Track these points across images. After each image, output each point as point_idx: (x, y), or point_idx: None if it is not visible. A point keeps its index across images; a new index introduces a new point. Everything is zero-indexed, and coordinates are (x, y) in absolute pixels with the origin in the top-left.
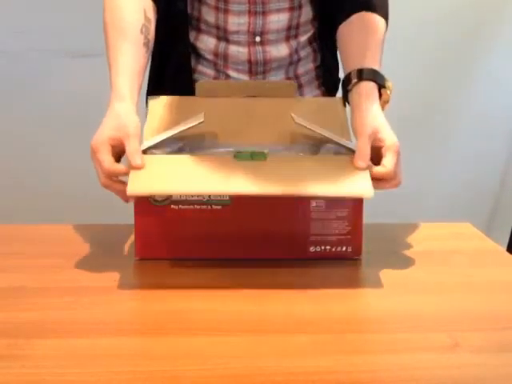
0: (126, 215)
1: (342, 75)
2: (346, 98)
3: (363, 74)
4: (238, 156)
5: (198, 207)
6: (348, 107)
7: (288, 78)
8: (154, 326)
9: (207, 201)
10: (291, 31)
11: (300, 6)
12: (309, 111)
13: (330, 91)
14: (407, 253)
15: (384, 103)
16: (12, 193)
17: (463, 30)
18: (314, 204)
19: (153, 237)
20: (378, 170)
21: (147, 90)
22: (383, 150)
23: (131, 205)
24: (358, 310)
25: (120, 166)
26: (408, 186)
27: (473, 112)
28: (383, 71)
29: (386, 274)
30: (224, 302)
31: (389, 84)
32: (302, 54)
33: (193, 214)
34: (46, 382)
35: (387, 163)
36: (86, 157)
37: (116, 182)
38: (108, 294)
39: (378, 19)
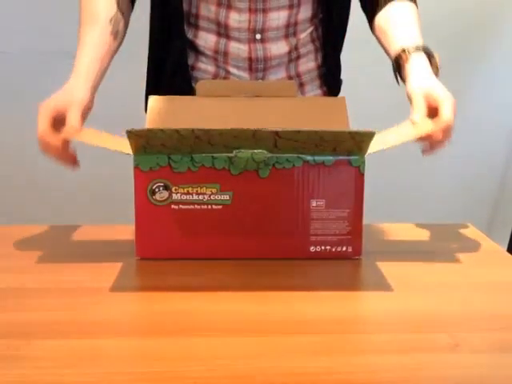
0: (127, 215)
1: (344, 77)
2: (399, 73)
3: (414, 49)
4: (239, 156)
5: (199, 207)
6: (351, 107)
7: (289, 77)
8: (153, 327)
9: (208, 201)
10: (289, 29)
11: (299, 4)
12: (310, 111)
13: (331, 91)
14: (407, 253)
15: (436, 70)
16: (11, 193)
17: (463, 30)
18: (314, 204)
19: (153, 236)
20: (442, 118)
21: (146, 90)
22: (440, 103)
23: (132, 205)
24: (359, 310)
25: (55, 136)
26: (408, 186)
27: (473, 112)
28: (384, 70)
29: (386, 275)
30: (224, 303)
31: (436, 54)
32: (302, 51)
33: (193, 213)
34: (46, 382)
35: (447, 113)
36: (87, 157)
37: (54, 137)
38: (108, 294)
39: (412, 6)
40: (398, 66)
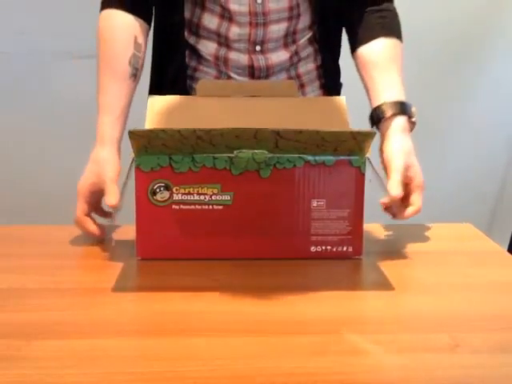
0: (127, 216)
1: (343, 81)
2: (376, 126)
3: (397, 109)
4: (240, 156)
5: (199, 207)
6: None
7: (290, 78)
8: (154, 327)
9: (208, 201)
10: (288, 38)
11: (298, 15)
12: (310, 111)
13: (331, 93)
14: (408, 253)
15: (413, 126)
16: (12, 193)
17: (464, 31)
18: (314, 204)
19: (154, 237)
20: (410, 211)
21: (149, 94)
22: (412, 186)
23: (132, 205)
24: (359, 310)
25: (88, 221)
26: None
27: (474, 113)
28: None
29: (387, 275)
30: (224, 303)
31: (414, 108)
32: (303, 54)
33: (194, 214)
34: (46, 382)
35: (416, 201)
36: (87, 157)
37: (87, 223)
38: (108, 295)
39: (397, 44)
40: (377, 115)
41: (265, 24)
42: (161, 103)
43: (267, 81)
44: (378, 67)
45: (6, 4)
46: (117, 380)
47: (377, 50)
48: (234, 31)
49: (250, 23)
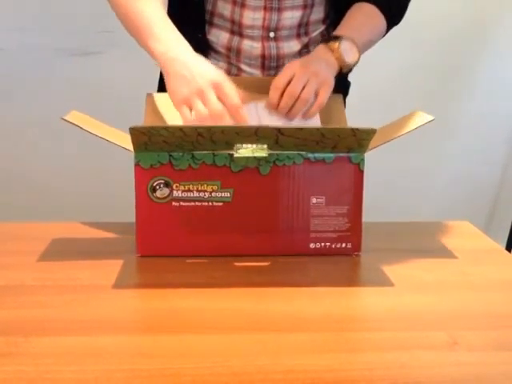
0: (127, 212)
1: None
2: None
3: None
4: (239, 153)
5: (199, 204)
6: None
7: None
8: (153, 324)
9: (208, 198)
10: (301, 29)
11: (312, 5)
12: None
13: (338, 91)
14: (406, 251)
15: (338, 60)
16: (11, 191)
17: (464, 29)
18: (314, 201)
19: (154, 234)
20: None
21: (159, 86)
22: (311, 83)
23: (132, 203)
24: (357, 307)
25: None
26: (407, 185)
27: (472, 111)
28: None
29: (385, 272)
30: (224, 300)
31: (334, 45)
32: (313, 48)
33: (194, 210)
34: (45, 379)
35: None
36: (87, 155)
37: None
38: (108, 292)
39: (380, 18)
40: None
41: (279, 9)
42: (159, 101)
43: (267, 78)
44: (350, 15)
45: (4, 1)
46: (115, 377)
47: (358, 7)
48: (248, 15)
49: (265, 7)
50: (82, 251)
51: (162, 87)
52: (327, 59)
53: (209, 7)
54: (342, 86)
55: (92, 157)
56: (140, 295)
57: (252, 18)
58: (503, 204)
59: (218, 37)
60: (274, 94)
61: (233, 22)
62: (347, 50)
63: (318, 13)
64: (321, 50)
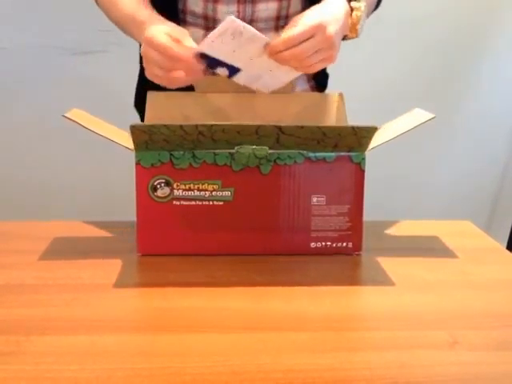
0: (128, 211)
1: (329, 71)
2: None
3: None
4: (240, 152)
5: (200, 203)
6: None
7: None
8: (154, 323)
9: (209, 197)
10: (280, 21)
11: None
12: (309, 106)
13: (319, 86)
14: (407, 250)
15: (352, 24)
16: (12, 190)
17: (465, 28)
18: (315, 200)
19: (154, 233)
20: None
21: (137, 86)
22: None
23: (133, 202)
24: (358, 307)
25: (180, 48)
26: (408, 184)
27: (473, 110)
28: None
29: (386, 272)
30: (224, 299)
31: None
32: None
33: (194, 210)
34: (45, 378)
35: (295, 28)
36: (87, 153)
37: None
38: (109, 291)
39: None
40: None
41: (253, 1)
42: (160, 99)
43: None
44: None
45: (5, 0)
46: (116, 376)
47: None
48: (222, 10)
49: (238, 0)
50: (83, 250)
51: (141, 87)
52: (344, 24)
53: (180, 6)
54: (322, 79)
55: (92, 156)
56: (141, 294)
57: (226, 11)
58: (504, 203)
59: (193, 34)
60: (282, 46)
61: (206, 18)
62: (361, 24)
63: (295, 6)
64: (345, 10)
